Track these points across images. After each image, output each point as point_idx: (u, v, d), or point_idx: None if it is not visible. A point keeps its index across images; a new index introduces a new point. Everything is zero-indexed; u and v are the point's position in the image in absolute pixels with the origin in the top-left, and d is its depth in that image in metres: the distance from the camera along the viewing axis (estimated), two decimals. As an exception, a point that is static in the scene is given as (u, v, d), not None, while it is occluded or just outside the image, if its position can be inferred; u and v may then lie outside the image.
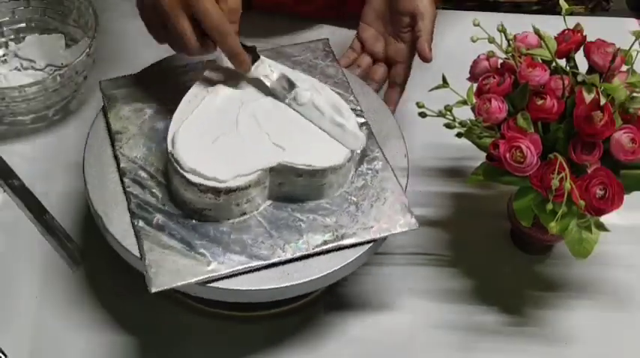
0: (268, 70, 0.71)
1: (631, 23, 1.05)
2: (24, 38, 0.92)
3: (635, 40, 0.67)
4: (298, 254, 0.65)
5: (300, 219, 0.68)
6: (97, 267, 0.77)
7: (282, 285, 0.64)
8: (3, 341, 0.71)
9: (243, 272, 0.64)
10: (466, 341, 0.75)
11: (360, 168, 0.72)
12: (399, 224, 0.68)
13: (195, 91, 0.71)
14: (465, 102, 0.73)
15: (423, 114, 0.76)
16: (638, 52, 0.68)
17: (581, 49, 0.72)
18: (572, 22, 0.72)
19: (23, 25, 0.92)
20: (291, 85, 0.71)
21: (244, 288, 0.64)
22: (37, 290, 0.75)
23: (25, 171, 0.83)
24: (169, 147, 0.67)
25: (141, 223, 0.66)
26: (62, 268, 0.77)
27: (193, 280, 0.63)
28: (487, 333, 0.76)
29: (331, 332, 0.75)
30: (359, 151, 0.71)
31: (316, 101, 0.70)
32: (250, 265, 0.64)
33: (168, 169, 0.68)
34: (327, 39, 0.83)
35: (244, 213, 0.67)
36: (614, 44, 0.70)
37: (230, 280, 0.64)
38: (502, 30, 0.71)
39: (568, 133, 0.68)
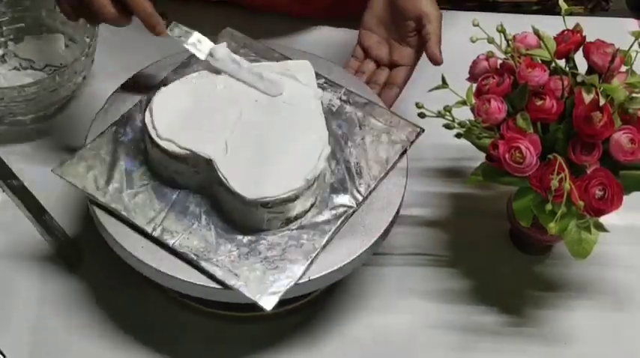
0: (183, 31, 0.73)
1: (630, 23, 1.05)
2: (23, 38, 0.92)
3: (635, 41, 0.67)
4: (362, 197, 0.69)
5: (347, 168, 0.71)
6: (96, 267, 0.77)
7: (351, 259, 0.66)
8: (2, 341, 0.71)
9: (331, 239, 0.67)
10: (465, 341, 0.75)
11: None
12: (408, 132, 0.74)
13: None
14: (464, 103, 0.73)
15: (422, 115, 0.76)
16: (637, 52, 0.68)
17: (581, 49, 0.72)
18: (571, 22, 0.72)
19: (22, 24, 0.92)
20: (206, 44, 0.73)
21: (327, 272, 0.66)
22: (36, 291, 0.75)
23: (24, 172, 0.83)
24: (230, 185, 0.65)
25: (210, 264, 0.65)
26: (61, 268, 0.77)
27: (300, 271, 0.65)
28: (486, 333, 0.76)
29: (330, 333, 0.75)
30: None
31: (232, 55, 0.73)
32: (332, 228, 0.67)
33: (221, 196, 0.67)
34: (228, 28, 0.81)
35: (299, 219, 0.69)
36: (613, 45, 0.70)
37: (306, 272, 0.65)
38: (501, 30, 0.71)
39: (567, 134, 0.68)
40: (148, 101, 0.71)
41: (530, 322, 0.77)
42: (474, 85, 0.73)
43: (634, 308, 0.79)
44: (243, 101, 0.71)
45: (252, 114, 0.71)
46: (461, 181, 0.86)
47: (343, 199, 0.70)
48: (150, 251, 0.66)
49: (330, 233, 0.67)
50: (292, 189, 0.66)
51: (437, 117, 0.71)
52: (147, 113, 0.69)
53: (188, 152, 0.67)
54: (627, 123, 0.67)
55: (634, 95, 0.67)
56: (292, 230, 0.67)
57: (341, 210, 0.69)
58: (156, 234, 0.66)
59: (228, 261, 0.65)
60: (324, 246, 0.67)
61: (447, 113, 0.71)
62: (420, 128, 0.75)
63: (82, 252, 0.78)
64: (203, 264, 0.65)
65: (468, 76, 0.75)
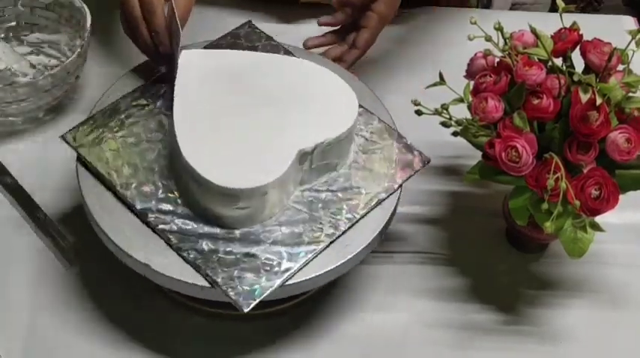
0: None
1: (628, 21, 1.05)
2: (15, 37, 0.91)
3: (632, 40, 0.67)
4: (350, 223, 0.68)
5: (331, 191, 0.70)
6: (91, 265, 0.77)
7: (347, 258, 0.66)
8: (-3, 340, 0.71)
9: (312, 259, 0.65)
10: (461, 339, 0.75)
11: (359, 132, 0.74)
12: (415, 163, 0.72)
13: (179, 103, 0.70)
14: (461, 100, 0.72)
15: (419, 112, 0.76)
16: (634, 51, 0.68)
17: (578, 48, 0.72)
18: (569, 19, 0.72)
19: (14, 23, 0.91)
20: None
21: (324, 271, 0.65)
22: (30, 289, 0.75)
23: (18, 169, 0.83)
24: (193, 169, 0.65)
25: (193, 254, 0.65)
26: (56, 267, 0.77)
27: (276, 284, 0.63)
28: (482, 331, 0.76)
29: (326, 331, 0.75)
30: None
31: None
32: (316, 250, 0.66)
33: (191, 192, 0.67)
34: (250, 21, 0.83)
35: (282, 207, 0.68)
36: (610, 44, 0.70)
37: (303, 271, 0.65)
38: (499, 28, 0.71)
39: (564, 133, 0.68)
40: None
41: (525, 320, 0.77)
42: (472, 83, 0.73)
43: (630, 307, 0.79)
44: (243, 92, 0.72)
45: (259, 93, 0.71)
46: (457, 179, 0.86)
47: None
48: (142, 248, 0.66)
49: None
50: (259, 183, 0.65)
51: (434, 114, 0.71)
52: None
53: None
54: (624, 123, 0.67)
55: (630, 94, 0.67)
56: (281, 225, 0.67)
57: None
58: (128, 194, 0.67)
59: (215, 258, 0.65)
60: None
61: (444, 111, 0.70)
62: (427, 159, 0.73)
63: (77, 251, 0.77)
64: (182, 253, 0.65)
65: (465, 73, 0.75)
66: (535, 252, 0.82)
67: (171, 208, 0.68)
